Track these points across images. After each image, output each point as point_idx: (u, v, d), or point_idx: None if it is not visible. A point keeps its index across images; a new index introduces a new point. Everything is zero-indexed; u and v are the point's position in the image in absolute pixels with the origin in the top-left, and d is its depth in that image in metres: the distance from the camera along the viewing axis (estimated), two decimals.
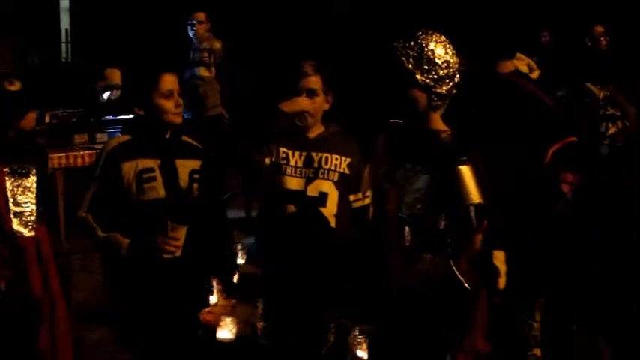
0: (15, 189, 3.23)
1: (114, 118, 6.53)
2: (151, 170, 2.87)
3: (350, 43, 7.67)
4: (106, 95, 6.85)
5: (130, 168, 2.85)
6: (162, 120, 2.88)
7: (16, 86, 3.88)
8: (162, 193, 2.86)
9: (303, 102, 2.92)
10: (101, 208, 2.86)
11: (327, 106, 3.03)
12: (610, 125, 3.63)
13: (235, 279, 4.81)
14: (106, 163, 2.88)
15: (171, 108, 2.86)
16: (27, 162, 3.33)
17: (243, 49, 7.91)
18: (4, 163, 3.24)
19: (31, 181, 3.24)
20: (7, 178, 3.22)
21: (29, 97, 3.81)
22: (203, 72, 6.59)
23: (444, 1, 7.70)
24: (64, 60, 10.90)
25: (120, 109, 6.49)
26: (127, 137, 2.95)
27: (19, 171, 3.23)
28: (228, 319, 4.33)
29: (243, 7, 8.95)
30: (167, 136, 2.94)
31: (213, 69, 6.59)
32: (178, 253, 2.84)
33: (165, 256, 2.81)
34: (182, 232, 2.87)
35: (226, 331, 4.31)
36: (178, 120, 2.91)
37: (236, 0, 9.01)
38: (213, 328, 4.28)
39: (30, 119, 3.69)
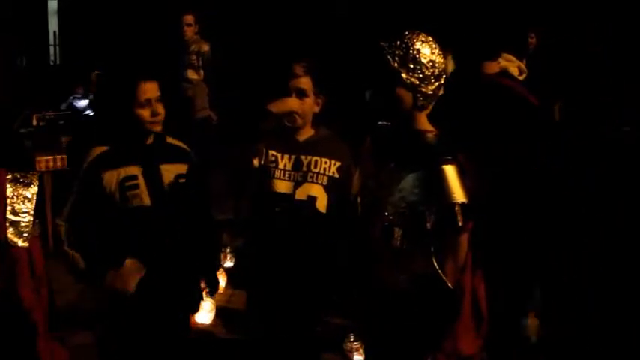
0: (15, 197, 3.22)
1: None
2: (134, 178, 2.84)
3: (350, 43, 7.67)
4: (81, 102, 6.87)
5: (111, 177, 2.83)
6: (140, 128, 2.85)
7: None
8: (146, 200, 2.84)
9: (292, 102, 2.91)
10: (79, 220, 2.85)
11: (317, 109, 3.02)
12: None
13: (221, 280, 4.81)
14: (87, 174, 2.87)
15: (148, 117, 2.83)
16: (31, 172, 3.32)
17: (241, 49, 7.91)
18: (8, 170, 3.23)
19: (32, 192, 3.23)
20: (8, 186, 3.20)
21: None
22: (191, 74, 6.60)
23: (435, 2, 7.73)
24: (52, 62, 10.86)
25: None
26: (108, 146, 2.93)
27: (21, 180, 3.21)
28: (206, 304, 4.32)
29: (241, 7, 8.94)
30: (150, 142, 2.92)
31: (201, 71, 6.60)
32: (130, 291, 2.81)
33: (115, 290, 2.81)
34: (137, 272, 2.83)
35: (206, 312, 4.31)
36: (157, 128, 2.88)
37: (234, 0, 9.00)
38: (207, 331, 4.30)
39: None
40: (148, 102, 2.82)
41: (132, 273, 2.81)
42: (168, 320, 2.96)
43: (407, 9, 7.63)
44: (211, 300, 4.45)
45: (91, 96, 6.85)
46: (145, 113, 2.82)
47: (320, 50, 7.06)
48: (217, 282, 3.79)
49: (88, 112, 6.83)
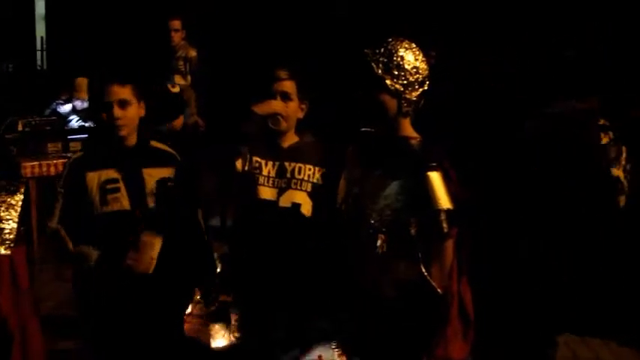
0: None
1: (76, 127, 6.52)
2: (115, 181, 2.83)
3: (350, 44, 7.63)
4: (65, 108, 6.84)
5: (93, 178, 2.82)
6: (108, 131, 2.84)
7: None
8: (126, 204, 2.83)
9: (276, 104, 2.92)
10: (70, 220, 2.83)
11: (301, 114, 3.01)
12: (602, 135, 3.62)
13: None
14: (71, 174, 2.86)
15: (107, 120, 2.81)
16: (17, 179, 3.29)
17: (232, 53, 7.89)
18: None
19: (17, 199, 3.21)
20: None
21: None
22: (178, 80, 6.56)
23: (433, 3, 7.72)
24: (39, 68, 10.81)
25: (84, 119, 6.50)
26: (91, 147, 2.92)
27: (7, 187, 3.19)
28: (218, 326, 4.26)
29: (239, 8, 8.92)
30: (132, 145, 2.91)
31: (189, 77, 6.57)
32: (151, 271, 2.77)
33: (137, 272, 2.76)
34: (156, 245, 2.80)
35: (221, 339, 4.25)
36: (120, 133, 2.85)
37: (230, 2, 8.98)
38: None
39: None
40: (109, 105, 2.80)
41: (150, 248, 2.76)
42: (157, 327, 2.94)
43: (403, 11, 7.62)
44: (223, 324, 4.39)
45: (75, 101, 6.81)
46: (105, 116, 2.81)
47: (318, 51, 7.04)
48: (214, 291, 3.78)
49: (71, 117, 6.79)
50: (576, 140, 3.33)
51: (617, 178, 3.41)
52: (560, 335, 3.56)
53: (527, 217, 3.33)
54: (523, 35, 6.60)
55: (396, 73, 2.37)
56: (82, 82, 6.79)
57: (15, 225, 3.20)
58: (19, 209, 3.22)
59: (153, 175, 2.90)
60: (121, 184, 2.83)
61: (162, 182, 2.91)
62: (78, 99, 6.79)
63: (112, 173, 2.84)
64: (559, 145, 3.29)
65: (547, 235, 3.39)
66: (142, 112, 2.94)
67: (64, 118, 6.74)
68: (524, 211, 3.33)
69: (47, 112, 6.94)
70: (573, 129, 3.35)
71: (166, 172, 2.94)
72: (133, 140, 2.92)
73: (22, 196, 3.23)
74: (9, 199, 3.22)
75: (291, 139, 3.01)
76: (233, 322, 3.75)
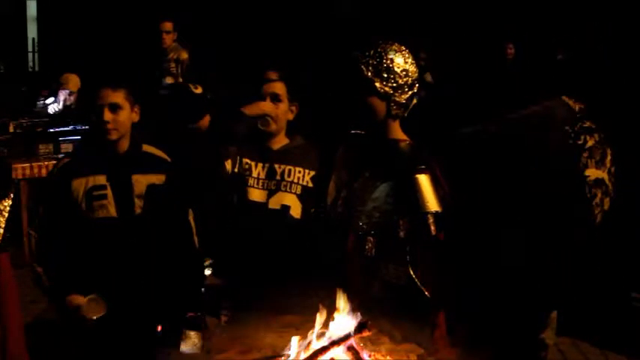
0: None
1: (65, 129, 6.48)
2: (103, 187, 2.81)
3: (354, 44, 7.57)
4: (52, 108, 6.81)
5: (79, 185, 2.80)
6: (98, 135, 2.82)
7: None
8: (112, 211, 2.81)
9: (265, 105, 2.92)
10: (48, 231, 2.82)
11: (291, 116, 3.02)
12: (588, 138, 3.63)
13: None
14: (55, 181, 2.84)
15: (97, 124, 2.80)
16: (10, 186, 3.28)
17: (238, 51, 7.88)
18: None
19: (6, 205, 3.19)
20: None
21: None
22: (170, 82, 6.56)
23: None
24: (30, 69, 10.80)
25: (73, 119, 6.46)
26: (80, 152, 2.91)
27: None
28: (192, 333, 4.25)
29: (239, 8, 8.91)
30: (123, 150, 2.89)
31: (180, 79, 6.57)
32: (90, 321, 2.75)
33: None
34: (99, 310, 2.76)
35: (190, 346, 4.23)
36: (109, 137, 2.83)
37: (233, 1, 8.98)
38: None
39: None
40: (100, 108, 2.78)
41: (93, 308, 2.76)
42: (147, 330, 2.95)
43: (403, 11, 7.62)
44: (196, 332, 4.36)
45: (61, 93, 6.78)
46: (95, 119, 2.80)
47: (309, 53, 7.03)
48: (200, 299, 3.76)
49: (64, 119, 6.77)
50: (539, 142, 3.33)
51: (602, 180, 3.40)
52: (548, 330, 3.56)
53: (516, 219, 3.34)
54: (523, 35, 6.62)
55: (386, 75, 2.38)
56: (69, 76, 6.79)
57: (1, 230, 3.18)
58: (6, 214, 3.20)
59: (141, 182, 2.88)
60: (108, 191, 2.81)
61: (152, 188, 2.89)
62: (64, 90, 6.76)
63: (100, 179, 2.82)
64: (520, 148, 3.31)
65: (538, 237, 3.40)
66: (136, 117, 2.91)
67: (55, 118, 6.71)
68: (513, 213, 3.33)
69: (34, 110, 6.91)
70: (534, 131, 3.36)
71: (156, 178, 2.91)
72: (124, 145, 2.89)
73: (10, 201, 3.21)
74: None
75: (281, 141, 3.01)
76: (223, 322, 3.74)
